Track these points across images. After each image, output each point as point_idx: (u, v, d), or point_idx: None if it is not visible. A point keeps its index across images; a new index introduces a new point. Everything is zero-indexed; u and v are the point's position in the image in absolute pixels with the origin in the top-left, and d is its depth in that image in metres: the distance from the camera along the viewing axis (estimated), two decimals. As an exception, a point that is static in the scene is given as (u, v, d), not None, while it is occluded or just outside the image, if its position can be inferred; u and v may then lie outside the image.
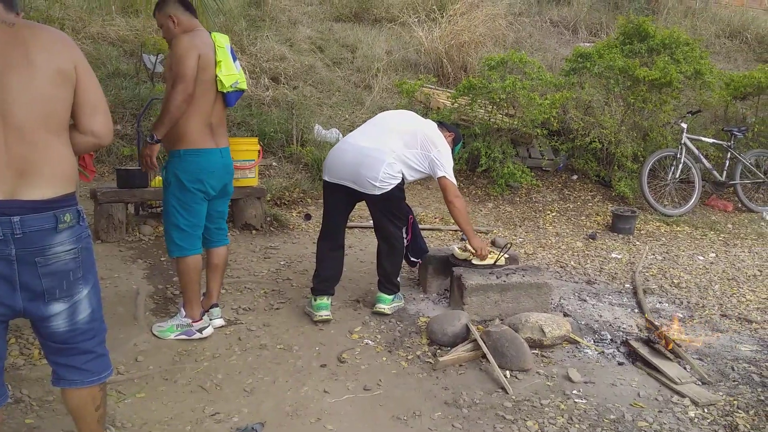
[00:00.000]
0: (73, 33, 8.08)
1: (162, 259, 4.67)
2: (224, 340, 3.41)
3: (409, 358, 3.32)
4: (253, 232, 5.42)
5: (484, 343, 3.33)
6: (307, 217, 5.93)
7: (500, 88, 6.52)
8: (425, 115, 7.22)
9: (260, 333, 3.53)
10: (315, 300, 3.72)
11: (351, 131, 7.65)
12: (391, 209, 3.78)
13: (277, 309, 3.88)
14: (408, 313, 3.89)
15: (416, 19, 9.52)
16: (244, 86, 3.35)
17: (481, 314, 3.77)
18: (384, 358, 3.29)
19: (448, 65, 8.83)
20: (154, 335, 3.38)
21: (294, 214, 5.99)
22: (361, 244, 5.35)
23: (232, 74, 3.25)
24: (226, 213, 3.65)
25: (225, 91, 3.24)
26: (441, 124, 4.03)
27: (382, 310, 3.80)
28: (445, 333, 3.45)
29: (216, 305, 3.59)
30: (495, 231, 5.97)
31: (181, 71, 3.04)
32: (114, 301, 3.79)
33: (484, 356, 3.31)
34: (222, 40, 3.24)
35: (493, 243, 5.42)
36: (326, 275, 3.77)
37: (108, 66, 7.74)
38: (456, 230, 5.84)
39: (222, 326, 3.55)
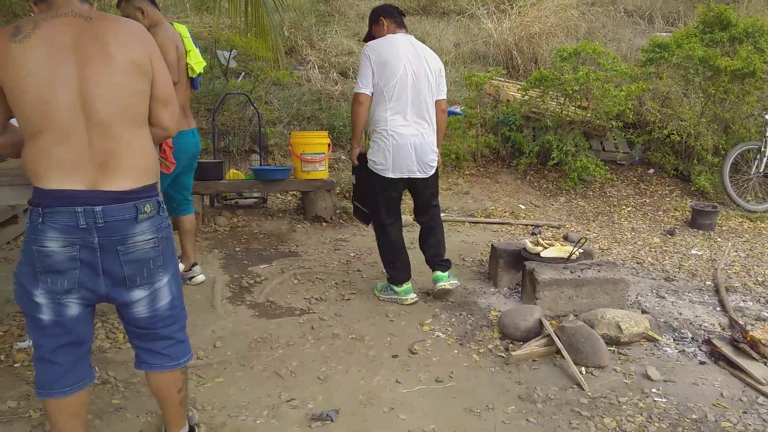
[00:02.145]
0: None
1: (237, 249, 4.80)
2: (298, 329, 3.47)
3: (480, 351, 3.29)
4: (323, 224, 5.50)
5: (558, 338, 3.27)
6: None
7: (573, 80, 6.37)
8: (495, 108, 7.17)
9: (332, 323, 3.57)
10: (401, 286, 3.88)
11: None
12: (437, 183, 4.00)
13: (348, 300, 3.92)
14: (479, 306, 3.86)
15: (485, 11, 9.40)
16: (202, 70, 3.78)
17: (554, 309, 3.70)
18: (455, 351, 3.28)
19: (517, 57, 8.68)
20: None
21: (363, 207, 6.03)
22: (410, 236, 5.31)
23: (200, 61, 3.72)
24: (191, 185, 3.99)
25: (194, 76, 3.69)
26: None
27: (454, 284, 3.92)
28: (517, 327, 3.40)
29: (196, 264, 4.01)
30: (567, 225, 5.84)
31: (170, 59, 3.40)
32: (193, 289, 3.92)
33: (557, 352, 3.25)
34: (184, 31, 3.64)
35: (566, 238, 5.31)
36: (406, 261, 3.94)
37: (184, 63, 7.99)
38: (527, 224, 5.75)
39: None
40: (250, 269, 4.38)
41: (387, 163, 3.71)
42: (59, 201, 1.86)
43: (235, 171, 5.60)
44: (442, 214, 5.98)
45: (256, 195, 5.82)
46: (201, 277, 4.02)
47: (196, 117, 7.16)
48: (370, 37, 3.89)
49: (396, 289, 3.89)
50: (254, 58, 7.48)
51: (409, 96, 3.66)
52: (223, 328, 3.43)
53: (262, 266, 4.45)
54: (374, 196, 3.87)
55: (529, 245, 4.06)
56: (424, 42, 9.44)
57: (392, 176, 3.72)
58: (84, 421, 2.12)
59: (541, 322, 3.41)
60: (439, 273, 3.92)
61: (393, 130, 3.64)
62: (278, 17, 6.27)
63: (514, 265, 4.14)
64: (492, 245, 4.27)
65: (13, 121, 2.06)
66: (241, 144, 6.78)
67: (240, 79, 7.69)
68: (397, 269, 3.89)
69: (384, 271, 4.00)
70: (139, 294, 2.03)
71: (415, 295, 3.89)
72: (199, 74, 3.77)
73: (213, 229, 5.23)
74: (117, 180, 1.92)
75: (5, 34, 1.87)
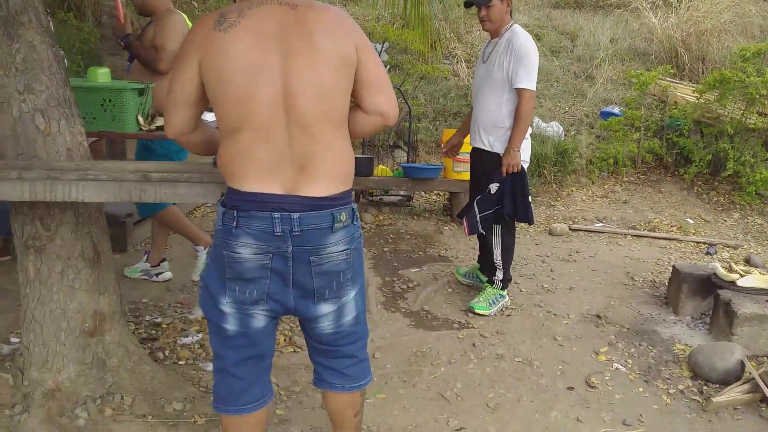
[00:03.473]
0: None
1: (385, 249, 4.63)
2: (458, 345, 3.22)
3: (671, 392, 2.88)
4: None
5: (766, 384, 2.80)
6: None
7: (760, 83, 5.64)
8: (662, 110, 6.56)
9: (494, 341, 3.29)
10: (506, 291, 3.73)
11: (572, 124, 7.26)
12: None
13: (508, 316, 3.61)
14: (660, 336, 3.42)
15: (648, 5, 8.68)
16: None
17: (753, 348, 3.20)
18: (640, 389, 2.89)
19: (684, 55, 7.93)
20: (124, 275, 3.70)
21: (512, 211, 5.69)
22: (589, 249, 4.90)
23: None
24: None
25: None
26: None
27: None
28: (714, 368, 2.95)
29: (165, 259, 3.83)
30: (745, 246, 5.19)
31: (172, 48, 3.27)
32: (345, 290, 3.78)
33: (762, 400, 2.78)
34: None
35: (748, 261, 4.71)
36: None
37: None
38: (699, 242, 5.16)
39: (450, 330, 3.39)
40: (401, 272, 4.18)
41: (527, 157, 3.57)
42: (257, 205, 1.71)
43: (383, 167, 5.44)
44: (599, 224, 5.56)
45: (402, 193, 5.63)
46: (168, 274, 3.79)
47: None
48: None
49: (505, 294, 3.69)
50: (404, 51, 7.31)
51: None
52: (381, 337, 3.25)
53: (413, 270, 4.24)
54: (525, 195, 3.54)
55: (722, 271, 3.56)
56: (576, 37, 8.92)
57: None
58: None
59: (743, 364, 2.94)
60: None
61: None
62: (439, 5, 6.03)
63: (701, 292, 3.65)
64: (674, 267, 3.80)
65: (206, 116, 1.94)
66: (386, 138, 6.63)
67: (388, 71, 7.55)
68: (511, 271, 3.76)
69: (500, 279, 3.66)
70: (326, 308, 1.84)
71: None
72: None
73: (360, 226, 5.09)
74: (315, 185, 1.74)
75: (209, 22, 1.73)
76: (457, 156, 4.21)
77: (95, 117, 2.91)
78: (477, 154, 3.63)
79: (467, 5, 3.49)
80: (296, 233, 1.72)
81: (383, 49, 7.31)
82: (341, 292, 1.85)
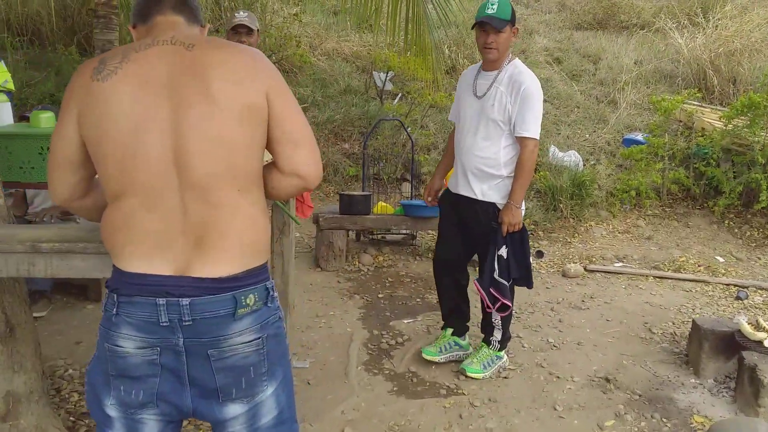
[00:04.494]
0: (309, 50, 8.25)
1: (380, 296, 4.29)
2: (443, 417, 2.85)
3: (685, 481, 2.46)
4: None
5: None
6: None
7: (794, 107, 5.19)
8: (688, 137, 6.12)
9: (485, 411, 2.91)
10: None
11: (592, 153, 6.85)
12: None
13: (505, 378, 3.23)
14: (676, 405, 2.99)
15: (674, 25, 8.25)
16: (11, 86, 3.46)
17: (786, 423, 2.75)
18: (649, 476, 2.48)
19: (713, 77, 7.46)
20: None
21: (524, 250, 5.29)
22: (605, 294, 4.48)
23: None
24: None
25: None
26: None
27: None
28: (737, 451, 2.52)
29: None
30: (782, 288, 4.69)
31: None
32: (326, 347, 3.45)
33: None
34: None
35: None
36: None
37: (340, 82, 7.75)
38: (729, 284, 4.69)
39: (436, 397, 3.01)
40: (392, 324, 3.83)
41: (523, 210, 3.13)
42: (139, 289, 1.41)
43: (383, 204, 5.12)
44: (618, 264, 5.13)
45: (404, 231, 5.29)
46: None
47: (349, 141, 6.83)
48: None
49: (502, 354, 3.28)
50: (412, 79, 7.02)
51: None
52: (355, 408, 2.89)
53: (406, 321, 3.88)
54: (526, 256, 3.17)
55: (747, 327, 3.12)
56: (598, 60, 8.53)
57: None
58: None
59: (772, 448, 2.51)
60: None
61: None
62: (441, 34, 5.76)
63: (724, 351, 3.22)
64: (693, 322, 3.37)
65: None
66: (392, 171, 6.32)
67: (396, 101, 7.27)
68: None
69: (498, 339, 3.25)
70: (235, 410, 1.50)
71: None
72: (8, 91, 3.42)
73: (356, 269, 4.77)
74: (214, 262, 1.42)
75: (88, 71, 1.45)
76: None
77: (33, 167, 2.66)
78: (461, 201, 3.18)
79: (481, 25, 2.97)
80: (187, 323, 1.41)
81: (387, 78, 7.03)
82: (254, 389, 1.52)
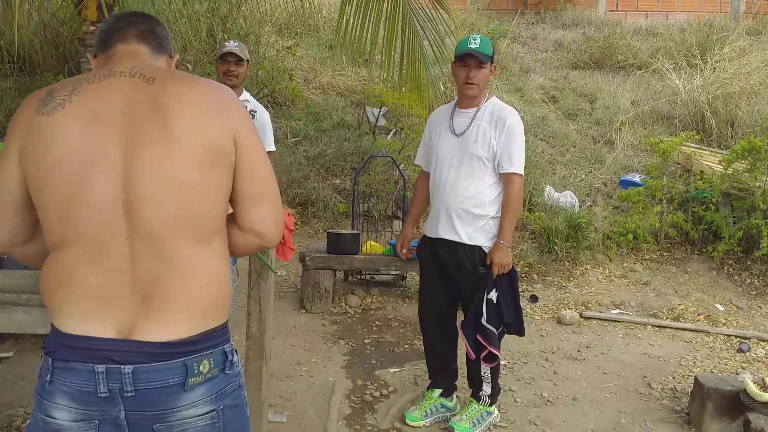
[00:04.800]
0: (304, 83, 8.16)
1: (366, 341, 4.09)
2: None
3: None
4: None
5: None
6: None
7: (795, 153, 5.07)
8: (687, 181, 6.00)
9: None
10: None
11: (588, 194, 6.72)
12: None
13: (494, 437, 3.02)
14: (679, 472, 2.79)
15: (672, 66, 8.21)
16: None
17: (798, 496, 2.55)
18: None
19: (711, 119, 7.37)
20: None
21: (518, 293, 5.11)
22: (602, 343, 4.28)
23: None
24: None
25: None
26: None
27: None
28: None
29: None
30: (785, 341, 4.51)
31: None
32: (305, 399, 3.24)
33: None
34: None
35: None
36: None
37: (334, 116, 7.64)
38: (730, 334, 4.51)
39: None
40: (377, 373, 3.63)
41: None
42: (77, 353, 1.24)
43: (372, 243, 4.95)
44: (615, 311, 4.95)
45: (394, 271, 5.11)
46: None
47: (340, 177, 6.69)
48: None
49: (492, 410, 3.07)
50: (406, 115, 6.91)
51: None
52: (332, 470, 2.69)
53: (392, 370, 3.68)
54: (517, 300, 2.99)
55: (753, 387, 2.94)
56: (594, 99, 8.46)
57: None
58: None
59: None
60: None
61: None
62: (437, 70, 5.67)
63: (729, 412, 3.03)
64: (696, 380, 3.18)
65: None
66: (384, 208, 6.16)
67: (390, 136, 7.15)
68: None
69: (488, 393, 3.02)
70: None
71: None
72: None
73: (342, 311, 4.58)
74: (162, 323, 1.26)
75: (33, 102, 1.30)
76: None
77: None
78: (441, 246, 2.98)
79: (462, 59, 2.84)
80: (129, 394, 1.23)
81: (380, 113, 6.93)
82: (207, 469, 1.34)
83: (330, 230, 4.96)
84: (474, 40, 2.85)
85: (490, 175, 2.88)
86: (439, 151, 2.99)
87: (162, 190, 1.24)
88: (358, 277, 5.11)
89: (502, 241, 2.86)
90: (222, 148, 1.29)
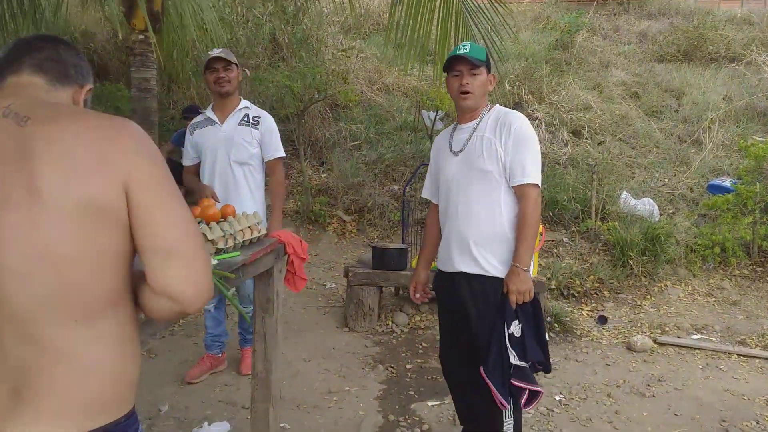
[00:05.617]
0: (368, 84, 7.92)
1: (408, 366, 3.78)
2: None
3: None
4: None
5: None
6: (602, 319, 4.54)
7: None
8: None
9: None
10: None
11: (671, 201, 6.11)
12: None
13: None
14: None
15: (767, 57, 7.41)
16: None
17: None
18: None
19: (815, 115, 6.57)
20: None
21: (584, 313, 4.65)
22: (677, 376, 3.77)
23: None
24: None
25: None
26: None
27: None
28: None
29: None
30: None
31: None
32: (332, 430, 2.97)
33: None
34: None
35: None
36: None
37: (397, 118, 7.36)
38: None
39: None
40: (413, 407, 3.30)
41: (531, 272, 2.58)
42: None
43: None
44: (696, 336, 4.39)
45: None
46: None
47: (399, 182, 6.40)
48: None
49: None
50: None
51: None
52: None
53: (430, 403, 3.34)
54: (541, 332, 2.52)
55: None
56: (682, 95, 7.76)
57: None
58: None
59: None
60: None
61: None
62: (506, 67, 5.27)
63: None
64: (784, 436, 2.67)
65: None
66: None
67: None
68: None
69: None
70: None
71: None
72: None
73: (388, 330, 4.29)
74: (34, 423, 1.01)
75: None
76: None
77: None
78: (460, 280, 2.53)
79: (451, 66, 2.47)
80: None
81: (437, 117, 6.57)
82: None
83: (374, 244, 4.67)
84: (464, 46, 2.46)
85: (504, 191, 2.46)
86: (444, 175, 2.60)
87: (28, 263, 0.99)
88: (407, 294, 4.80)
89: (518, 265, 2.42)
90: (106, 206, 1.02)
